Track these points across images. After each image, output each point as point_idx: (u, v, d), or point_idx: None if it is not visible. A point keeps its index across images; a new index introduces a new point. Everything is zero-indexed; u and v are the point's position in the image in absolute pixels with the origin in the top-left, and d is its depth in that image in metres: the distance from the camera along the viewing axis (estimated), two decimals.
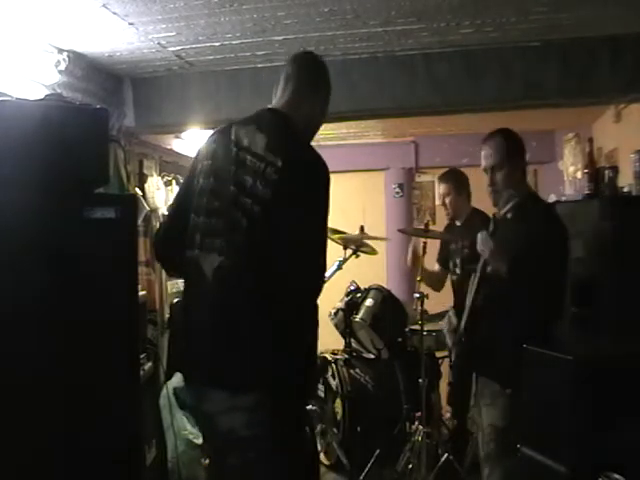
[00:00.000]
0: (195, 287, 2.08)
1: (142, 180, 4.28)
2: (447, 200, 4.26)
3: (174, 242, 2.15)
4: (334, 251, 4.37)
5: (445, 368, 4.44)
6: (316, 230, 1.99)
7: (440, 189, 4.34)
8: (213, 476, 2.24)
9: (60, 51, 3.16)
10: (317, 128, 2.30)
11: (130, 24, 2.97)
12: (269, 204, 1.93)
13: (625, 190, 3.59)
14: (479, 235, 2.73)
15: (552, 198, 4.53)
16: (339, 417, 4.37)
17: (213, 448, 2.21)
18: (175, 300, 4.07)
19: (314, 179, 2.00)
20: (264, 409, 1.91)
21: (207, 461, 3.23)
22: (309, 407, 4.01)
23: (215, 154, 2.11)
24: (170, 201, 4.69)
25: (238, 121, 2.16)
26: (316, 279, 2.01)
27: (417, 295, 3.98)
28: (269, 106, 2.20)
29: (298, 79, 2.21)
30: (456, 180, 4.27)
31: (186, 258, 2.09)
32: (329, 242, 4.66)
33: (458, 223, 4.23)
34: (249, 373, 1.92)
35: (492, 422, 2.70)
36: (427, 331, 4.09)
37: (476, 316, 2.80)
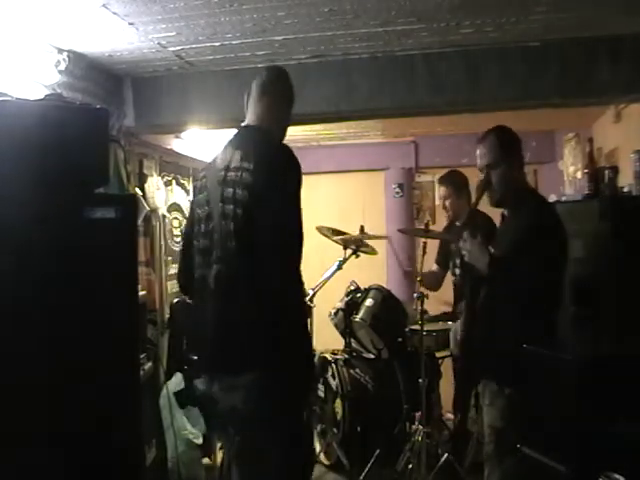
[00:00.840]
0: (200, 296, 2.32)
1: (142, 180, 4.28)
2: (447, 203, 4.30)
3: (189, 272, 2.38)
4: (334, 251, 4.39)
5: (445, 368, 4.44)
6: (292, 217, 2.17)
7: (440, 192, 4.38)
8: (225, 457, 2.43)
9: (60, 51, 3.16)
10: (287, 129, 2.47)
11: (130, 24, 2.97)
12: (248, 204, 2.14)
13: (625, 190, 3.59)
14: (463, 235, 2.76)
15: (552, 198, 4.53)
16: (339, 417, 4.37)
17: (219, 427, 2.43)
18: (175, 300, 4.07)
19: (283, 169, 2.20)
20: (258, 388, 2.12)
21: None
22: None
23: (207, 185, 2.35)
24: (170, 201, 4.69)
25: (221, 148, 2.40)
26: (295, 258, 2.18)
27: (417, 295, 3.99)
28: (244, 124, 2.41)
29: (272, 94, 2.41)
30: (455, 182, 4.30)
31: (196, 279, 2.32)
32: (329, 242, 4.66)
33: (458, 223, 4.24)
34: (246, 358, 2.16)
35: (491, 423, 2.70)
36: (427, 331, 4.09)
37: (475, 315, 2.80)
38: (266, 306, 2.13)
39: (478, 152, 2.82)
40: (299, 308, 2.26)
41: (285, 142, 2.35)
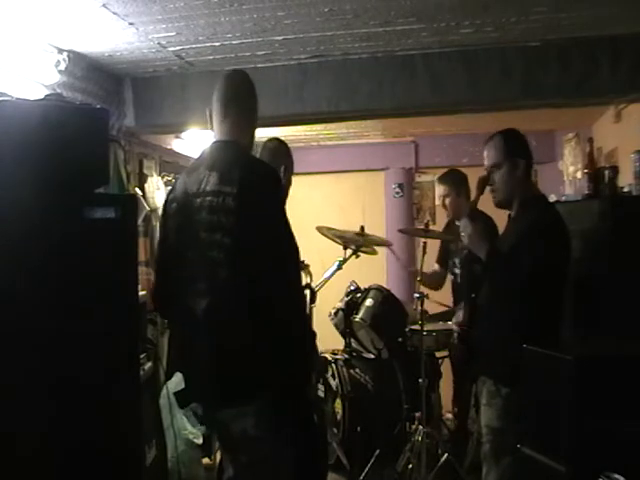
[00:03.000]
0: (189, 329, 2.28)
1: (142, 180, 4.28)
2: (447, 201, 4.30)
3: (168, 296, 2.37)
4: (334, 251, 4.38)
5: (445, 368, 4.44)
6: (282, 231, 2.15)
7: (439, 190, 4.38)
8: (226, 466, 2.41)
9: (60, 51, 3.16)
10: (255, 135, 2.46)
11: (130, 24, 2.97)
12: (235, 231, 2.10)
13: (625, 190, 3.58)
14: (462, 222, 2.78)
15: (552, 198, 4.53)
16: (339, 417, 4.37)
17: (226, 450, 2.41)
18: None
19: (267, 188, 2.18)
20: (268, 413, 2.13)
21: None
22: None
23: (179, 210, 2.29)
24: None
25: (188, 169, 2.37)
26: (295, 281, 2.19)
27: (417, 295, 3.99)
28: (216, 139, 2.37)
29: (238, 106, 2.38)
30: (454, 181, 4.30)
31: (180, 306, 2.28)
32: (329, 242, 4.65)
33: (458, 223, 4.24)
34: (251, 387, 2.15)
35: (488, 423, 2.70)
36: (427, 331, 4.09)
37: (475, 314, 2.81)
38: (269, 330, 2.09)
39: (485, 153, 2.83)
40: (304, 321, 2.22)
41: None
